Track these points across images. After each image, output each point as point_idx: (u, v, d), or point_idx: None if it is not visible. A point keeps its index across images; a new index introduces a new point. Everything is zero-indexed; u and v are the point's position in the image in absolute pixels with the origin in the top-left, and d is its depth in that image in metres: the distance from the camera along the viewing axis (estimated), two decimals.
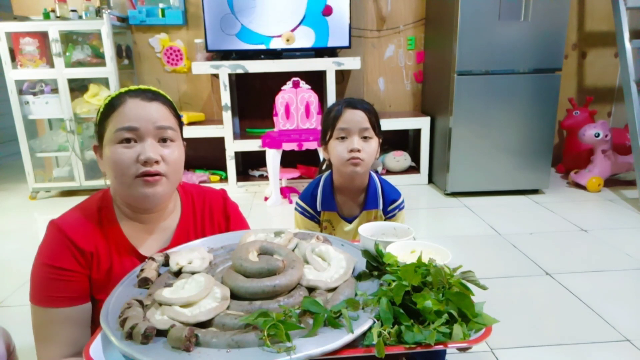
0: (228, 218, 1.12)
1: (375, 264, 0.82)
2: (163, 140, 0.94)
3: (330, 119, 1.37)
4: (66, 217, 0.95)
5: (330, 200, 1.43)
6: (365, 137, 1.33)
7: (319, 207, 1.44)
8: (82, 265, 0.92)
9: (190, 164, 3.57)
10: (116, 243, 0.97)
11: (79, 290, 0.92)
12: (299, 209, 1.47)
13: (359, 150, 1.31)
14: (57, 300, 0.90)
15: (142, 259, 0.97)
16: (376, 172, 1.49)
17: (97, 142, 0.97)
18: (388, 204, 1.43)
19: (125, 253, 0.97)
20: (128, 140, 0.90)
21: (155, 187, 0.92)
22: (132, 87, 0.96)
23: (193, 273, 0.82)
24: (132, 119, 0.90)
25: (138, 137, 0.91)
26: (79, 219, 0.95)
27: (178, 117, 1.01)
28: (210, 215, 1.10)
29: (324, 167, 1.56)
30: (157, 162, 0.91)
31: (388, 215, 1.44)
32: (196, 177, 3.42)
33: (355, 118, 1.32)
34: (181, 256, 0.87)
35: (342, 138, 1.34)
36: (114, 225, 0.98)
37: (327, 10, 2.73)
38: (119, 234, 0.97)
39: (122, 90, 0.95)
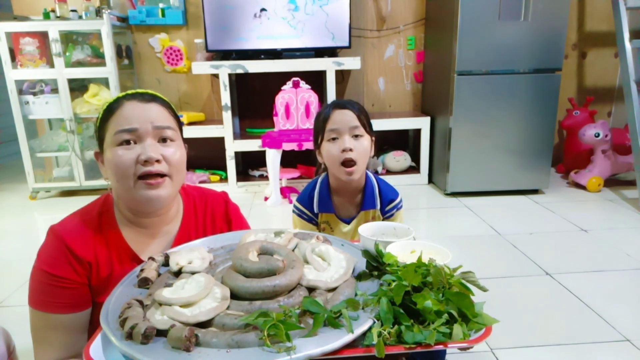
0: (230, 222, 1.12)
1: (375, 264, 0.82)
2: (163, 140, 0.93)
3: (320, 122, 1.37)
4: (66, 224, 0.95)
5: (327, 202, 1.43)
6: (356, 136, 1.33)
7: (316, 209, 1.44)
8: (79, 275, 0.91)
9: (190, 164, 3.56)
10: (117, 249, 0.96)
11: (75, 297, 0.91)
12: (297, 211, 1.47)
13: (351, 150, 1.31)
14: (54, 306, 0.90)
15: None
16: (375, 172, 1.49)
17: (98, 148, 0.97)
18: (386, 203, 1.43)
19: (126, 259, 0.97)
20: (128, 142, 0.90)
21: (159, 189, 0.91)
22: (130, 91, 0.96)
23: (193, 273, 0.82)
24: (131, 120, 0.90)
25: (137, 137, 0.91)
26: (78, 225, 0.94)
27: (177, 118, 1.00)
28: (212, 220, 1.10)
29: (320, 169, 1.56)
30: (158, 161, 0.91)
31: (386, 215, 1.44)
32: (196, 177, 3.42)
33: (344, 118, 1.32)
34: (181, 256, 0.87)
35: (334, 139, 1.34)
36: (115, 230, 0.97)
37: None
38: (120, 240, 0.97)
39: (120, 95, 0.96)
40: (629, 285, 1.88)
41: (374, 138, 1.40)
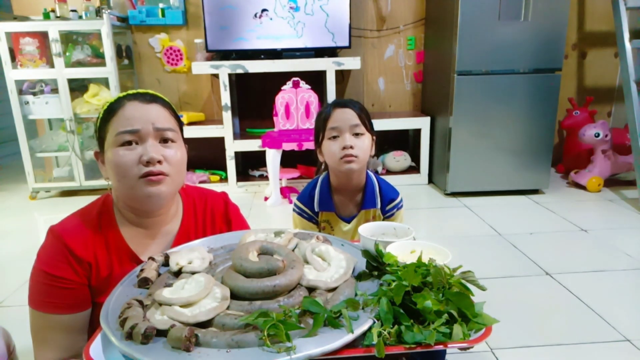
0: (229, 223, 1.12)
1: (375, 264, 0.82)
2: (164, 141, 0.94)
3: (320, 121, 1.38)
4: (66, 224, 0.95)
5: (327, 201, 1.43)
6: (356, 134, 1.34)
7: (316, 208, 1.44)
8: (79, 275, 0.91)
9: (190, 164, 3.51)
10: (116, 249, 0.96)
11: (75, 298, 0.92)
12: (297, 210, 1.47)
13: (351, 147, 1.31)
14: (54, 306, 0.90)
15: None
16: (375, 172, 1.50)
17: (98, 148, 0.97)
18: (386, 203, 1.43)
19: (126, 260, 0.97)
20: (129, 143, 0.91)
21: (159, 186, 0.91)
22: (131, 92, 0.96)
23: (193, 273, 0.82)
24: (132, 121, 0.90)
25: (139, 138, 0.91)
26: (78, 225, 0.94)
27: (178, 119, 1.00)
28: (212, 220, 1.10)
29: (321, 169, 1.56)
30: (159, 162, 0.91)
31: (386, 214, 1.44)
32: (196, 177, 3.42)
33: (344, 116, 1.33)
34: (181, 256, 0.87)
35: (334, 137, 1.34)
36: (114, 230, 0.97)
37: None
38: (120, 240, 0.97)
39: (121, 94, 0.96)
40: (629, 285, 1.88)
41: (374, 137, 1.40)
